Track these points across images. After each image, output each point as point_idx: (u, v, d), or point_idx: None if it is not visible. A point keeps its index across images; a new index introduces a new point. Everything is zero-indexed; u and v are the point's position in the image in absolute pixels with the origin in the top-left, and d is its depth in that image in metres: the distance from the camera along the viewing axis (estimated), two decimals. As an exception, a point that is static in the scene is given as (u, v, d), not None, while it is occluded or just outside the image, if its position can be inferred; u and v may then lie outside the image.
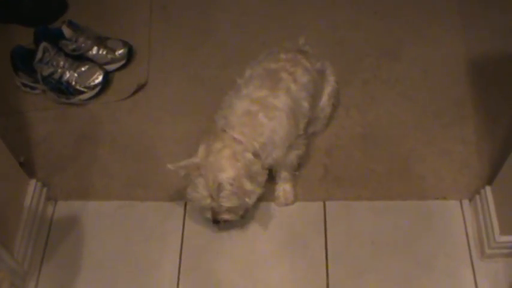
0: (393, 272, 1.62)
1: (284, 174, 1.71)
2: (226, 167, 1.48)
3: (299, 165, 1.75)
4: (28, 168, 1.80)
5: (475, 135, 1.86)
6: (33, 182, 1.73)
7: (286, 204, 1.74)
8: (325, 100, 1.77)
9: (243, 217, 1.66)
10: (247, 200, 1.53)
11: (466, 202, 1.72)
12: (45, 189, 1.76)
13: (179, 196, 1.74)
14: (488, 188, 1.64)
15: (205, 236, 1.70)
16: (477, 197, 1.68)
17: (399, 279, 1.61)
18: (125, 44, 2.08)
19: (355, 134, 1.88)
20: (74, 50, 2.03)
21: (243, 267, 1.65)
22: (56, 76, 1.96)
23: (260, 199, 1.63)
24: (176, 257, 1.67)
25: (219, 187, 1.49)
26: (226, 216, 1.59)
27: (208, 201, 1.54)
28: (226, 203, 1.53)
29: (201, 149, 1.53)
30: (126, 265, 1.67)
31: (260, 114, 1.54)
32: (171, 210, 1.75)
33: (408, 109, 1.93)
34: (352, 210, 1.73)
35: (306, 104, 1.63)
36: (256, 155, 1.53)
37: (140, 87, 2.02)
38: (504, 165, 1.53)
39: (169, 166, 1.53)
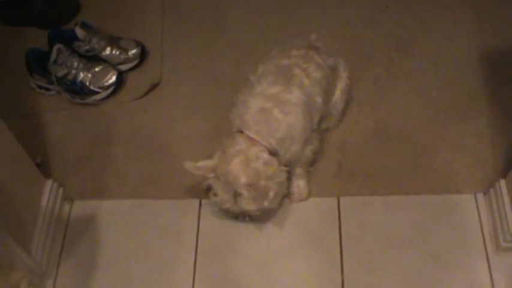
0: (408, 267, 1.62)
1: (298, 171, 1.71)
2: (240, 173, 1.49)
3: (313, 161, 1.75)
4: (44, 168, 1.81)
5: (488, 128, 1.85)
6: (49, 182, 1.75)
7: (301, 200, 1.74)
8: (337, 96, 1.77)
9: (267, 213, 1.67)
10: (266, 204, 1.53)
11: (480, 196, 1.72)
12: (61, 189, 1.78)
13: (194, 194, 1.75)
14: (502, 181, 1.63)
15: (220, 234, 1.71)
16: (491, 190, 1.67)
17: (414, 274, 1.61)
18: (138, 43, 2.09)
19: (368, 130, 1.88)
20: (87, 51, 2.04)
21: (258, 264, 1.66)
22: (70, 77, 1.98)
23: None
24: (191, 255, 1.68)
25: (236, 193, 1.51)
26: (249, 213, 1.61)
27: (229, 204, 1.57)
28: (245, 207, 1.54)
29: (217, 155, 1.54)
30: (142, 263, 1.68)
31: (275, 110, 1.54)
32: (185, 208, 1.76)
33: (421, 103, 1.92)
34: (366, 205, 1.73)
35: (319, 99, 1.63)
36: (273, 153, 1.53)
37: (153, 87, 2.03)
38: (518, 158, 1.54)
39: (186, 165, 1.54)
